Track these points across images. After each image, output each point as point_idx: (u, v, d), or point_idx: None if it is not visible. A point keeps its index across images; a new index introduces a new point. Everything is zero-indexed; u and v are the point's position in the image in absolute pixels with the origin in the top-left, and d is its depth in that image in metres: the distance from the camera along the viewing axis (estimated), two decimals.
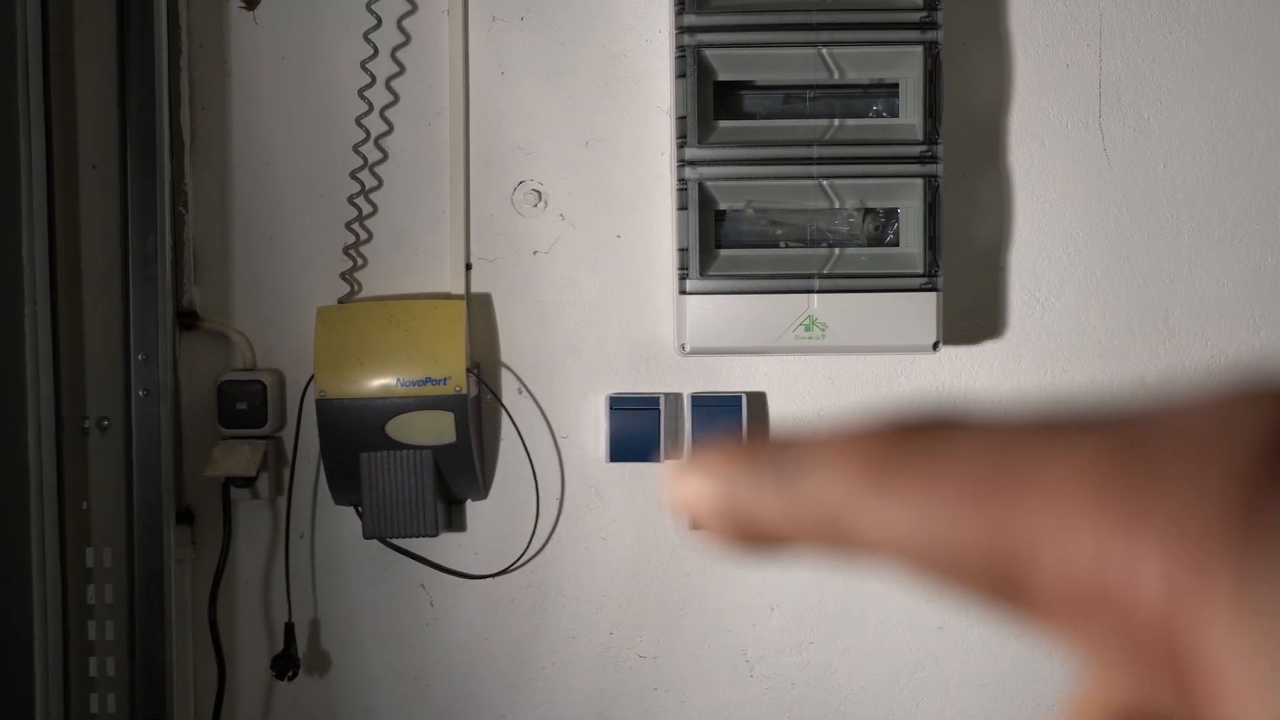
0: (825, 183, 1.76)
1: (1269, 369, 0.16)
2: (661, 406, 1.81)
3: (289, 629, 1.82)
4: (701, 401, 1.82)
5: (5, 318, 1.64)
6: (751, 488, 0.18)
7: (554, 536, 1.84)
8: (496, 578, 1.84)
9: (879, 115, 1.79)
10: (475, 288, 1.82)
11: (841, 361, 1.84)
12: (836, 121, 1.76)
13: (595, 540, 1.85)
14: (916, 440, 0.17)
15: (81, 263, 1.73)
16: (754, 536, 0.18)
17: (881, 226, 1.79)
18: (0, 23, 1.62)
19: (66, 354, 1.72)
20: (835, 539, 0.17)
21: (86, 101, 1.72)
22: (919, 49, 1.74)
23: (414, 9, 1.78)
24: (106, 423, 1.74)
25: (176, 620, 1.76)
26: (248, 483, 1.78)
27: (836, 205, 1.77)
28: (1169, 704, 0.15)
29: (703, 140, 1.74)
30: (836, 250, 1.77)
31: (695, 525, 0.19)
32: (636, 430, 1.81)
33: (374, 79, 1.77)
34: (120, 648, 1.76)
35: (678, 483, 0.19)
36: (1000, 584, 0.16)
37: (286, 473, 1.82)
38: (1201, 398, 0.16)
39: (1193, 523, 0.14)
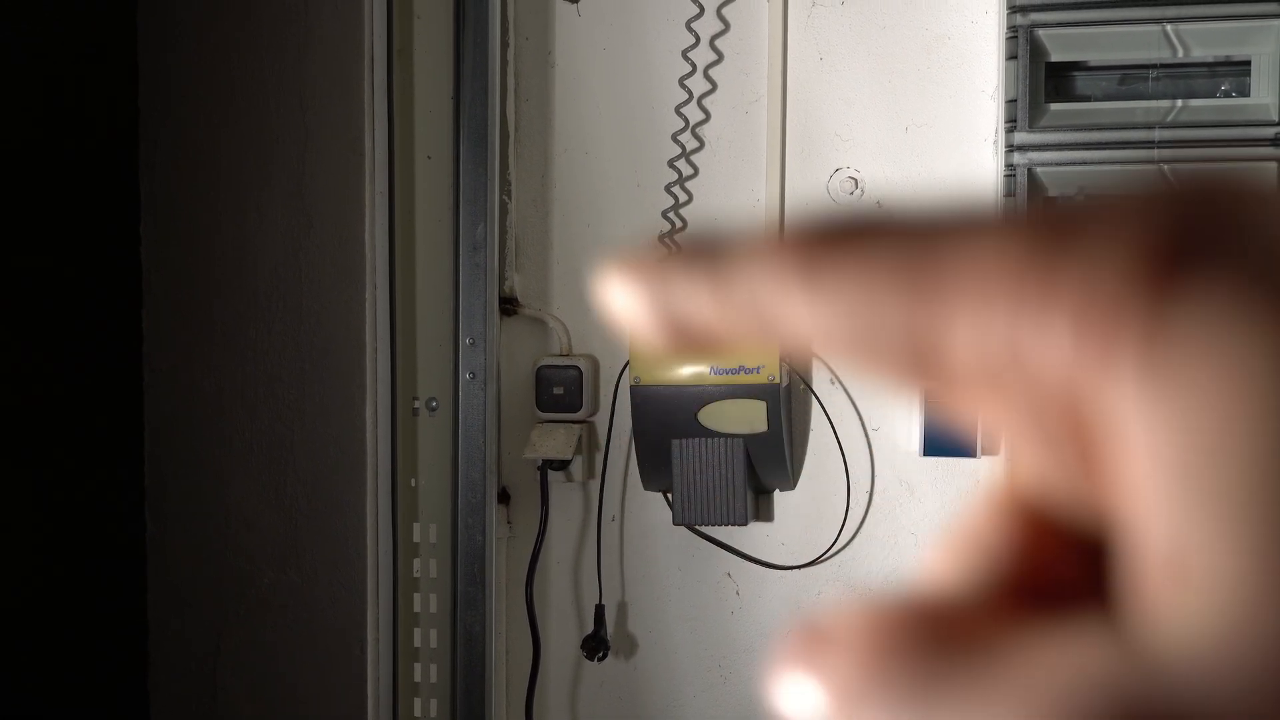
0: (1166, 167, 1.66)
1: (1183, 170, 0.16)
2: None
3: (599, 611, 1.85)
4: None
5: (349, 301, 1.73)
6: (685, 290, 0.18)
7: (862, 530, 1.81)
8: (803, 569, 1.82)
9: (1227, 95, 1.67)
10: None
11: None
12: (1179, 102, 1.66)
13: (905, 536, 1.81)
14: (844, 237, 0.17)
15: (416, 250, 1.80)
16: (689, 339, 0.18)
17: None
18: (348, 22, 1.71)
19: (401, 337, 1.79)
20: (767, 332, 0.18)
21: (424, 95, 1.79)
22: (1277, 23, 1.62)
23: None
24: (435, 404, 1.81)
25: (495, 597, 1.82)
26: (563, 465, 1.82)
27: None
28: (1072, 478, 0.16)
29: (1033, 124, 1.68)
30: None
31: (630, 331, 0.19)
32: (953, 424, 1.75)
33: (694, 67, 1.78)
34: (443, 620, 1.83)
35: (611, 291, 0.19)
36: (916, 365, 0.16)
37: (599, 457, 1.85)
38: (1118, 190, 0.16)
39: (1102, 292, 0.15)
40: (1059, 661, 0.15)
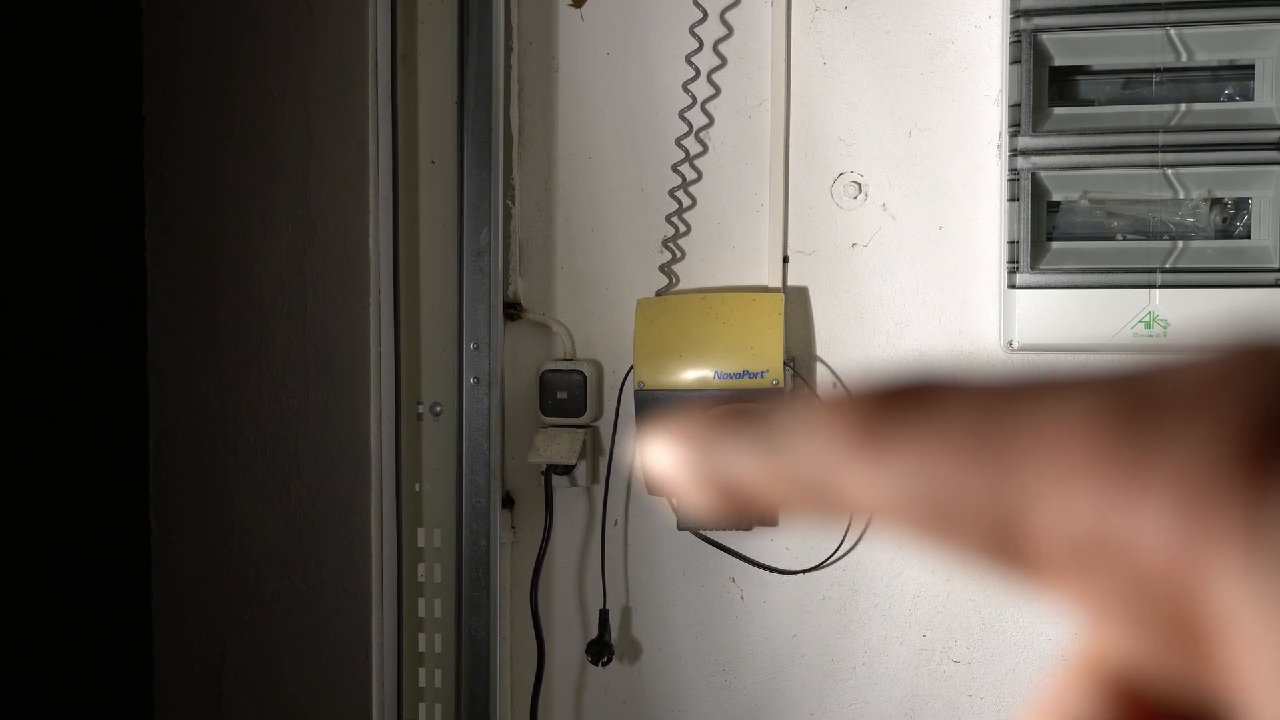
0: (1169, 171, 1.66)
1: (1270, 323, 0.15)
2: None
3: (604, 615, 1.85)
4: None
5: (353, 306, 1.73)
6: (736, 456, 0.18)
7: (867, 535, 1.81)
8: (808, 574, 1.82)
9: (1230, 99, 1.68)
10: (792, 281, 1.80)
11: None
12: (1183, 106, 1.66)
13: None
14: (906, 402, 0.16)
15: (420, 255, 1.80)
16: (739, 504, 0.18)
17: (1230, 218, 1.68)
18: (352, 28, 1.71)
19: (405, 342, 1.79)
20: (823, 504, 0.17)
21: (428, 101, 1.79)
22: None
23: (737, 1, 1.78)
24: (439, 409, 1.81)
25: (499, 601, 1.82)
26: (567, 470, 1.82)
27: (1181, 195, 1.67)
28: (1171, 660, 0.15)
29: (1036, 129, 1.68)
30: (1180, 243, 1.67)
31: (672, 495, 0.18)
32: None
33: (698, 72, 1.78)
34: (447, 625, 1.83)
35: (658, 454, 0.18)
36: (997, 543, 0.15)
37: (603, 461, 1.85)
38: (1202, 351, 0.15)
39: (1199, 472, 0.14)
40: None
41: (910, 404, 0.16)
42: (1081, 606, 0.16)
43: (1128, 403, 0.15)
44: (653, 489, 0.19)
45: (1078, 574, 0.15)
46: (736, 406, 0.18)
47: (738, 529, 1.79)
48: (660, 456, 0.18)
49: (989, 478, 0.15)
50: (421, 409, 1.82)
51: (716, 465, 0.18)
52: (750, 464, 0.18)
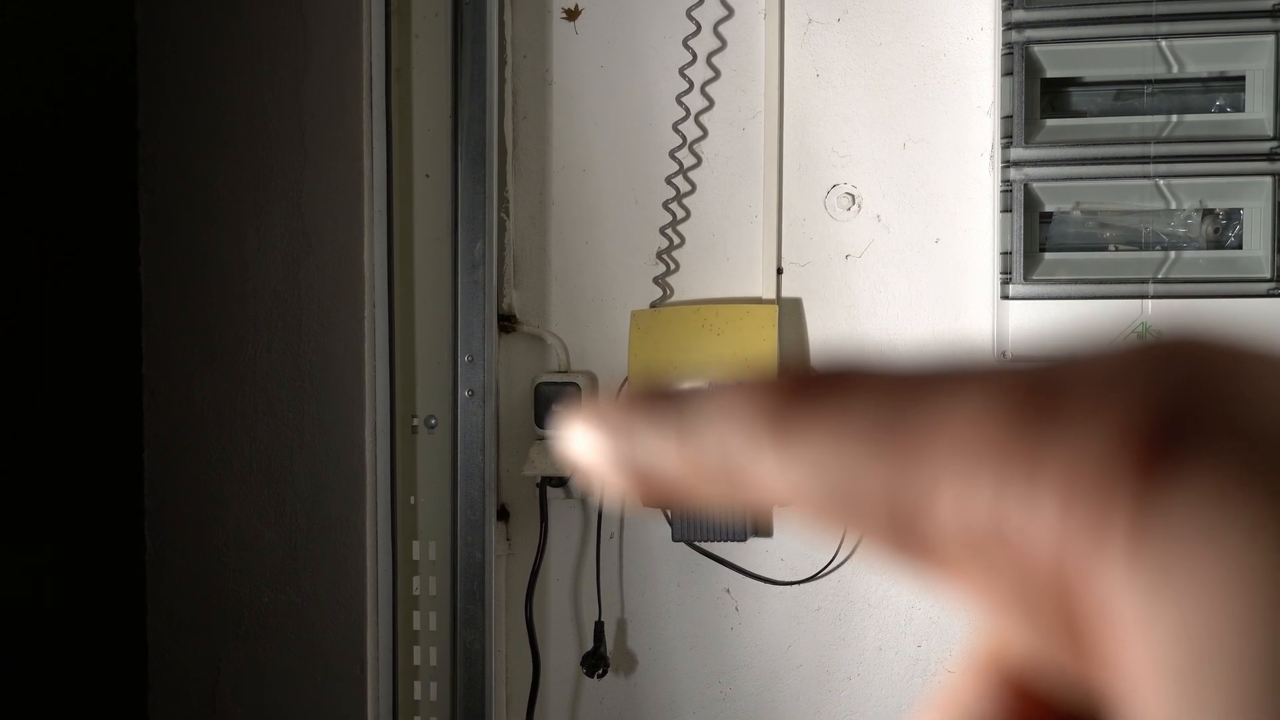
0: (1162, 182, 1.67)
1: (1175, 327, 0.16)
2: None
3: (599, 628, 1.85)
4: None
5: (348, 320, 1.73)
6: (650, 440, 0.18)
7: (861, 545, 1.81)
8: (802, 585, 1.82)
9: (1222, 110, 1.68)
10: (786, 292, 1.81)
11: None
12: (1174, 117, 1.67)
13: None
14: (817, 389, 0.17)
15: (414, 268, 1.81)
16: (654, 489, 0.18)
17: (1222, 228, 1.69)
18: (346, 42, 1.71)
19: (400, 355, 1.80)
20: (736, 488, 0.17)
21: (422, 114, 1.79)
22: (1270, 38, 1.63)
23: (730, 14, 1.79)
24: (434, 421, 1.81)
25: (494, 614, 1.82)
26: (562, 482, 1.82)
27: (1173, 206, 1.68)
28: (1060, 654, 0.16)
29: (1029, 140, 1.68)
30: (1172, 254, 1.68)
31: (594, 481, 0.18)
32: None
33: (691, 85, 1.79)
34: (443, 638, 1.83)
35: (574, 439, 0.18)
36: (898, 531, 0.16)
37: None
38: (1105, 351, 0.16)
39: (1091, 468, 0.14)
40: None
41: (821, 392, 0.17)
42: (976, 598, 0.16)
43: (1029, 396, 0.15)
44: (569, 471, 0.19)
45: (972, 565, 0.15)
46: (651, 391, 0.18)
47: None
48: (577, 441, 0.19)
49: (889, 468, 0.16)
50: (416, 422, 1.82)
51: (632, 449, 0.18)
52: (664, 448, 0.18)
